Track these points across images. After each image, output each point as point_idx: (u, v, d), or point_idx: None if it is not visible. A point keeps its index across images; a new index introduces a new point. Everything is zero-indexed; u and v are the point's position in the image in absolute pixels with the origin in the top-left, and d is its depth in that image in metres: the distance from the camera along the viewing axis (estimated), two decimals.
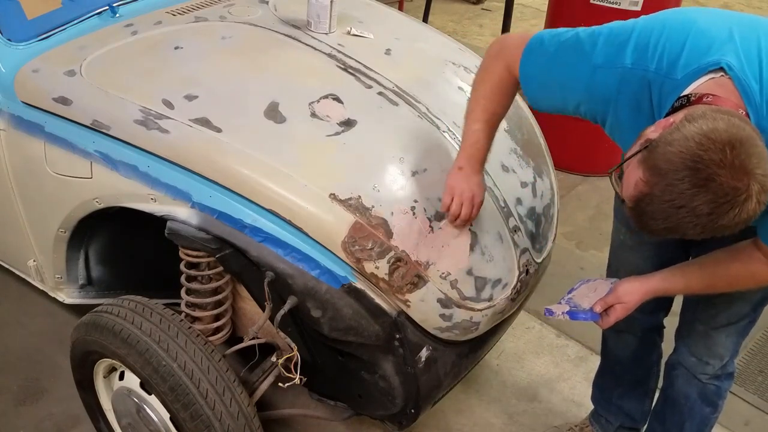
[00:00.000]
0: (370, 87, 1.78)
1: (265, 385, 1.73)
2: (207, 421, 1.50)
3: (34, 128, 1.77)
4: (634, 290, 1.44)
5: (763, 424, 2.24)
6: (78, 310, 2.09)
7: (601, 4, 3.02)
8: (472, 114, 1.53)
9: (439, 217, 1.57)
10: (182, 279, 1.73)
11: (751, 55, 1.20)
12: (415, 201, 1.56)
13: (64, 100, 1.71)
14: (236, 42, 1.90)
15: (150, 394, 1.65)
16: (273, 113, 1.64)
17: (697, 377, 1.70)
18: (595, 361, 2.07)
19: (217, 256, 1.56)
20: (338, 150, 1.60)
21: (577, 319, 1.50)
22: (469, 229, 1.60)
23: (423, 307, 1.54)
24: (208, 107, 1.64)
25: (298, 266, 1.49)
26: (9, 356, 2.30)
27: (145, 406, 1.67)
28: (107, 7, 1.99)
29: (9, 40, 1.82)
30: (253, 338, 1.65)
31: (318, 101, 1.69)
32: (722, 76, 1.19)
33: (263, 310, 1.58)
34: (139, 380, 1.65)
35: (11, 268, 2.27)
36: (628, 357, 1.91)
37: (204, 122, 1.60)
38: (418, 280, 1.51)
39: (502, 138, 1.85)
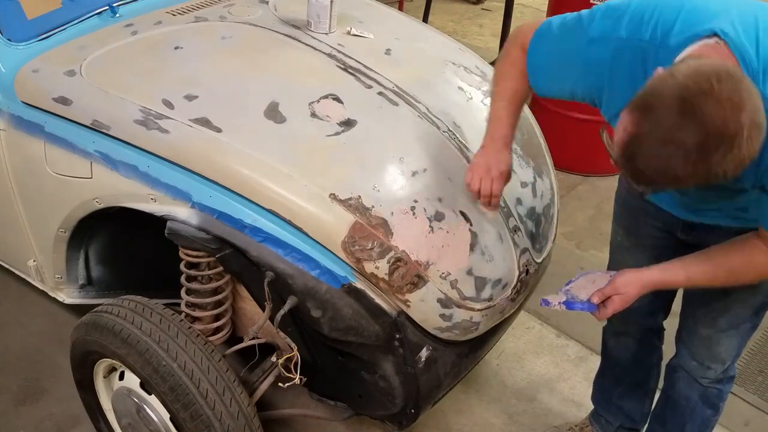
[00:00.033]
0: (370, 87, 1.78)
1: (265, 385, 1.73)
2: (207, 421, 1.51)
3: (34, 128, 1.77)
4: (633, 281, 1.41)
5: (763, 424, 2.24)
6: (78, 310, 2.09)
7: (601, 3, 3.02)
8: (494, 94, 1.57)
9: (439, 217, 1.57)
10: (182, 279, 1.73)
11: (748, 26, 1.18)
12: (415, 201, 1.56)
13: (64, 100, 1.71)
14: (236, 42, 1.90)
15: (150, 394, 1.65)
16: (273, 113, 1.64)
17: (699, 381, 1.70)
18: (595, 361, 2.07)
19: (217, 256, 1.56)
20: (338, 150, 1.60)
21: (574, 309, 1.47)
22: (469, 229, 1.60)
23: (423, 307, 1.54)
24: (208, 107, 1.64)
25: (298, 266, 1.49)
26: (9, 356, 2.30)
27: (145, 406, 1.67)
28: (107, 7, 1.99)
29: (9, 40, 1.82)
30: (253, 338, 1.65)
31: (318, 101, 1.69)
32: (717, 42, 1.17)
33: (263, 310, 1.58)
34: (139, 380, 1.65)
35: (11, 268, 2.27)
36: (627, 359, 1.91)
37: (204, 122, 1.60)
38: (418, 280, 1.51)
39: None
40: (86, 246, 1.98)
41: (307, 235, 1.50)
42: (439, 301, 1.55)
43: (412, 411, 1.67)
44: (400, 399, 1.64)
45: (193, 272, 1.70)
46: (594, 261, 2.85)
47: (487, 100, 1.93)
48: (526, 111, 2.06)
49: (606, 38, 1.30)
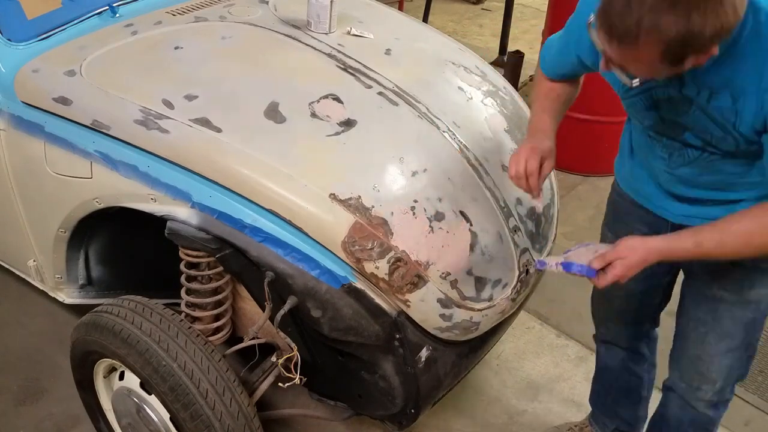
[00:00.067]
0: (370, 87, 1.78)
1: (265, 385, 1.73)
2: (207, 421, 1.51)
3: (34, 128, 1.77)
4: (638, 246, 1.32)
5: (763, 424, 2.24)
6: (78, 310, 2.09)
7: None
8: (531, 107, 1.62)
9: (439, 217, 1.57)
10: (182, 279, 1.73)
11: None
12: (415, 201, 1.56)
13: (64, 100, 1.71)
14: (236, 42, 1.90)
15: (150, 394, 1.65)
16: (273, 113, 1.64)
17: (691, 404, 1.67)
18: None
19: (217, 256, 1.56)
20: (338, 150, 1.60)
21: (571, 272, 1.38)
22: (469, 229, 1.60)
23: (423, 307, 1.54)
24: (208, 107, 1.64)
25: (298, 266, 1.49)
26: (9, 356, 2.30)
27: (145, 406, 1.67)
28: (107, 7, 1.99)
29: (9, 40, 1.82)
30: (253, 338, 1.65)
31: (318, 101, 1.69)
32: None
33: (263, 310, 1.58)
34: (139, 380, 1.65)
35: (11, 268, 2.27)
36: (617, 366, 1.91)
37: (204, 122, 1.60)
38: (418, 280, 1.51)
39: (502, 138, 1.85)
40: (86, 246, 1.98)
41: (307, 235, 1.50)
42: (439, 301, 1.55)
43: (412, 411, 1.67)
44: (400, 399, 1.64)
45: (193, 272, 1.70)
46: None
47: (487, 100, 1.94)
48: (526, 111, 2.06)
49: None
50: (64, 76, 1.74)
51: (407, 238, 1.52)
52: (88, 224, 1.84)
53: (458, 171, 1.67)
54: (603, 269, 1.34)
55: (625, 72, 1.17)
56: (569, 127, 3.19)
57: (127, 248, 2.05)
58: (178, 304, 1.77)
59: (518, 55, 3.71)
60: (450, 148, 1.71)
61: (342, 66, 1.84)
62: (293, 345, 1.62)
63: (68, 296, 2.09)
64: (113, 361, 1.68)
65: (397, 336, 1.55)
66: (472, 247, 1.60)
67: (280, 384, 1.66)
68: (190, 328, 1.61)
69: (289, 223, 1.50)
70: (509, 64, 3.75)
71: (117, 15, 2.00)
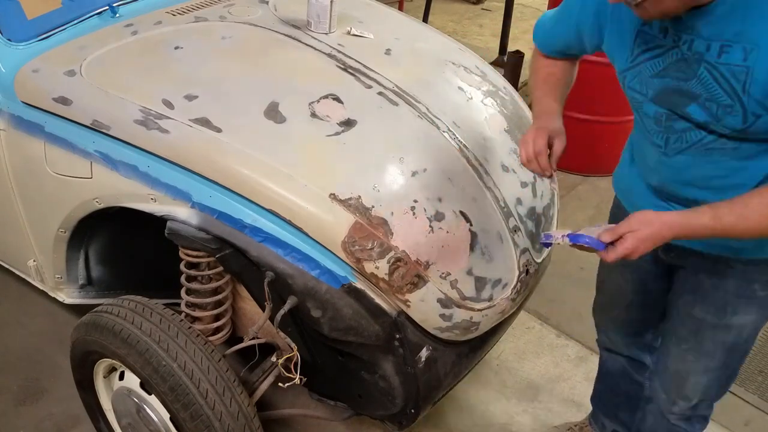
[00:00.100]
0: (370, 87, 1.78)
1: (265, 385, 1.73)
2: (207, 421, 1.51)
3: (34, 128, 1.77)
4: (652, 219, 1.23)
5: (763, 424, 2.24)
6: (78, 310, 2.10)
7: None
8: (530, 91, 1.61)
9: (439, 217, 1.57)
10: (182, 279, 1.73)
11: None
12: (415, 201, 1.56)
13: (64, 100, 1.71)
14: (236, 42, 1.90)
15: (150, 394, 1.65)
16: (273, 113, 1.64)
17: (666, 416, 1.67)
18: (595, 361, 2.07)
19: (217, 256, 1.56)
20: (338, 150, 1.60)
21: (578, 243, 1.28)
22: (469, 229, 1.60)
23: (423, 307, 1.54)
24: (208, 107, 1.64)
25: (298, 266, 1.49)
26: (9, 356, 2.30)
27: (145, 406, 1.67)
28: (107, 7, 1.99)
29: (9, 40, 1.82)
30: (253, 338, 1.65)
31: (318, 101, 1.69)
32: None
33: (263, 310, 1.58)
34: (139, 380, 1.65)
35: (11, 268, 2.27)
36: (618, 372, 1.91)
37: (204, 122, 1.60)
38: (418, 280, 1.51)
39: (502, 138, 1.85)
40: (86, 246, 1.98)
41: (307, 235, 1.50)
42: (439, 301, 1.55)
43: (412, 411, 1.67)
44: (400, 399, 1.64)
45: (193, 272, 1.70)
46: (594, 261, 2.82)
47: (487, 100, 1.94)
48: (526, 111, 2.06)
49: None
50: (64, 76, 1.74)
51: (407, 238, 1.52)
52: (88, 224, 1.85)
53: (458, 171, 1.67)
54: (612, 243, 1.25)
55: None
56: (569, 127, 3.18)
57: (127, 248, 2.05)
58: (178, 304, 1.77)
59: (518, 55, 3.71)
60: (450, 148, 1.71)
61: (342, 66, 1.84)
62: (293, 345, 1.62)
63: (68, 296, 2.09)
64: (113, 361, 1.68)
65: (397, 336, 1.55)
66: (472, 247, 1.60)
67: (280, 384, 1.66)
68: (190, 328, 1.61)
69: (289, 223, 1.50)
70: (509, 64, 3.75)
71: (117, 15, 2.00)
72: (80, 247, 1.97)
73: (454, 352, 1.68)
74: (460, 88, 1.92)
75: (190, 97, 1.66)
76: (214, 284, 1.72)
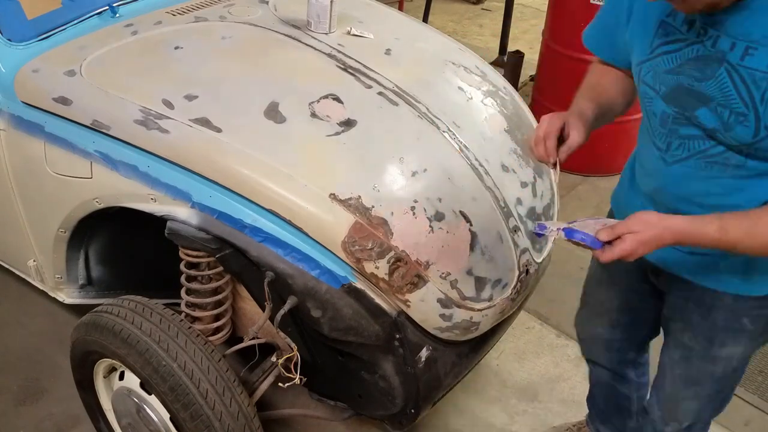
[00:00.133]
0: (370, 87, 1.78)
1: (265, 385, 1.73)
2: (207, 421, 1.51)
3: (34, 128, 1.78)
4: (653, 222, 1.17)
5: (763, 424, 2.24)
6: (78, 310, 2.10)
7: (601, 4, 3.02)
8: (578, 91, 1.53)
9: (439, 217, 1.57)
10: (182, 279, 1.73)
11: None
12: (415, 201, 1.56)
13: (64, 100, 1.71)
14: (236, 42, 1.90)
15: (150, 394, 1.65)
16: (273, 113, 1.64)
17: (663, 430, 1.66)
18: None
19: (217, 256, 1.56)
20: (338, 150, 1.60)
21: (573, 239, 1.21)
22: (469, 229, 1.60)
23: (423, 307, 1.54)
24: (208, 107, 1.64)
25: (298, 266, 1.49)
26: (9, 356, 2.30)
27: (145, 406, 1.67)
28: (107, 7, 1.99)
29: (9, 40, 1.82)
30: (253, 338, 1.65)
31: (318, 101, 1.69)
32: None
33: (263, 310, 1.58)
34: (139, 380, 1.65)
35: (11, 268, 2.27)
36: (605, 384, 1.91)
37: (204, 122, 1.60)
38: (418, 280, 1.51)
39: (502, 138, 1.85)
40: (86, 246, 1.98)
41: (307, 235, 1.50)
42: (439, 301, 1.55)
43: (412, 411, 1.67)
44: (400, 399, 1.64)
45: (193, 272, 1.70)
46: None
47: (487, 100, 1.94)
48: (526, 111, 2.06)
49: None
50: (64, 76, 1.74)
51: (407, 238, 1.52)
52: (88, 224, 1.85)
53: (458, 171, 1.67)
54: (610, 243, 1.18)
55: None
56: None
57: (127, 248, 2.05)
58: (178, 304, 1.77)
59: (518, 55, 3.71)
60: (450, 148, 1.71)
61: (342, 66, 1.84)
62: (293, 345, 1.62)
63: (68, 296, 2.09)
64: (113, 361, 1.68)
65: (397, 336, 1.55)
66: (472, 247, 1.60)
67: (280, 384, 1.66)
68: (190, 328, 1.61)
69: (289, 223, 1.50)
70: (509, 64, 3.75)
71: (117, 15, 2.00)
72: (80, 247, 1.97)
73: (454, 352, 1.68)
74: (460, 88, 1.92)
75: (190, 97, 1.66)
76: (214, 284, 1.72)
